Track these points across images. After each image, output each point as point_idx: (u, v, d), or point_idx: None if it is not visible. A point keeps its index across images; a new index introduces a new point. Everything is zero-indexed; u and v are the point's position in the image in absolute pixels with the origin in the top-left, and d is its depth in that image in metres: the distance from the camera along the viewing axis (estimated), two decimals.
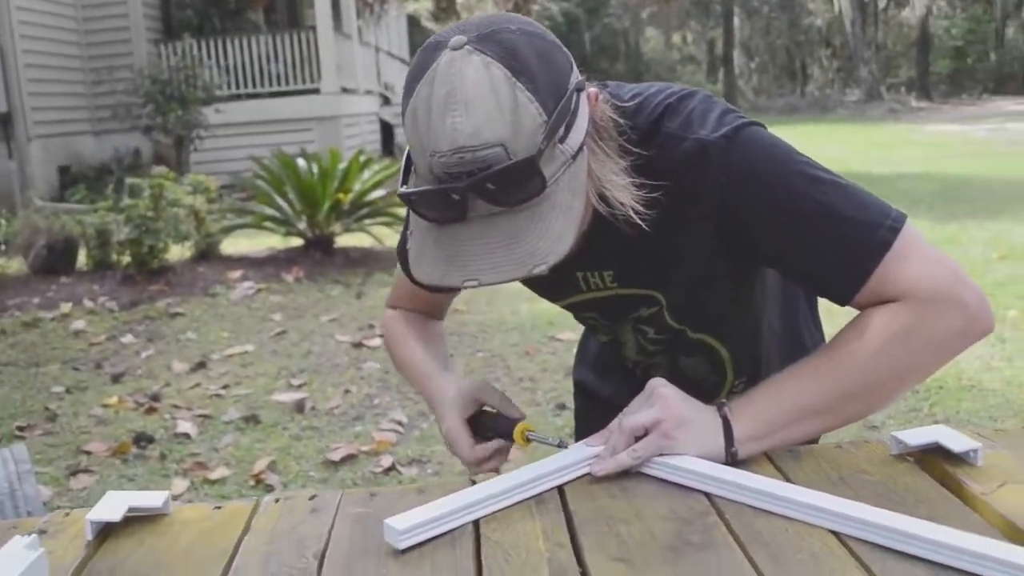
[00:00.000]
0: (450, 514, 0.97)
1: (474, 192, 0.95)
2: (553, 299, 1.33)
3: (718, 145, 1.08)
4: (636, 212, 1.04)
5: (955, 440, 1.06)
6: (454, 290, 1.39)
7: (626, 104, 1.13)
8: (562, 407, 3.96)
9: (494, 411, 1.23)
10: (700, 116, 1.10)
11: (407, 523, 0.94)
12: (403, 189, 1.02)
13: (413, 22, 25.58)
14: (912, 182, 11.14)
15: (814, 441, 1.19)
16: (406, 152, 1.05)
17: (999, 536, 0.89)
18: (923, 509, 0.95)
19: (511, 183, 0.95)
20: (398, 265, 1.42)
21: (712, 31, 40.18)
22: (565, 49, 1.03)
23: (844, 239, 1.07)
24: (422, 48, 1.01)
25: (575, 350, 1.67)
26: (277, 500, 1.09)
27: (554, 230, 0.96)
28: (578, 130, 0.99)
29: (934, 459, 1.07)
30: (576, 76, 1.02)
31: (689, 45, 42.86)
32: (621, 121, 1.09)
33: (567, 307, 1.33)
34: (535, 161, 0.94)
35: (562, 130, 0.97)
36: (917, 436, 1.08)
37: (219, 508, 1.08)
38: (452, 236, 0.99)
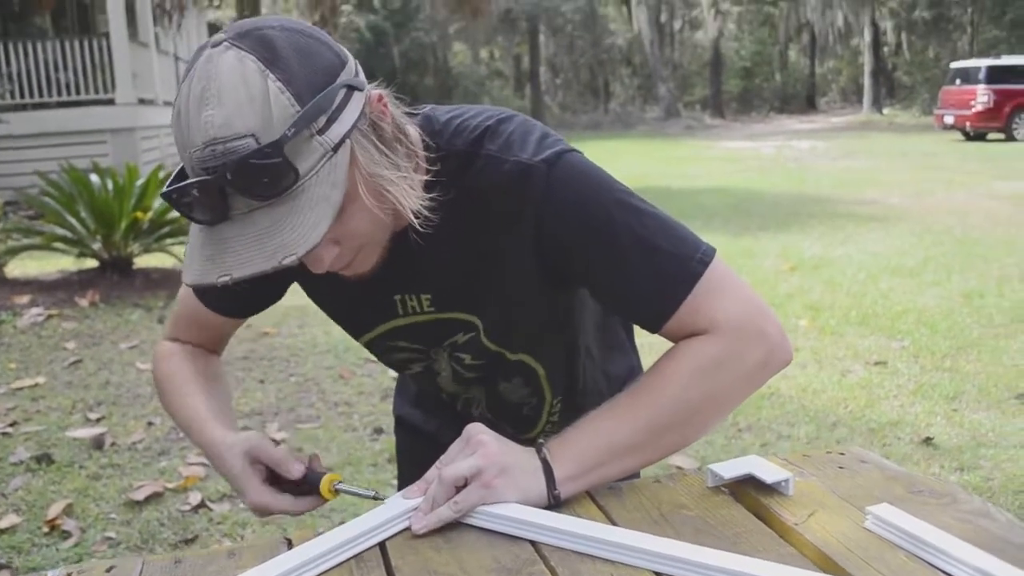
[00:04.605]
0: None
1: (225, 183, 0.93)
2: (366, 328, 1.28)
3: (538, 169, 1.08)
4: (417, 215, 1.03)
5: (767, 471, 1.09)
6: (236, 315, 1.33)
7: (441, 125, 1.13)
8: (379, 431, 3.89)
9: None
10: (520, 139, 1.11)
11: None
12: (163, 188, 0.99)
13: (215, 30, 24.71)
14: (709, 196, 11.75)
15: (636, 476, 1.21)
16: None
17: (811, 566, 0.92)
18: (740, 542, 0.97)
19: (260, 173, 0.92)
20: (180, 290, 1.33)
21: (518, 47, 40.97)
22: (340, 49, 1.01)
23: (657, 269, 1.09)
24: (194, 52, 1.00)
25: (394, 380, 1.61)
26: (69, 575, 0.99)
27: (308, 222, 0.94)
28: (342, 123, 0.97)
29: (748, 490, 1.09)
30: (350, 75, 0.99)
31: (497, 60, 43.53)
32: (409, 129, 1.08)
33: (375, 341, 1.29)
34: (280, 147, 0.92)
35: (321, 122, 0.95)
36: (731, 468, 1.11)
37: None
38: (216, 235, 0.96)
